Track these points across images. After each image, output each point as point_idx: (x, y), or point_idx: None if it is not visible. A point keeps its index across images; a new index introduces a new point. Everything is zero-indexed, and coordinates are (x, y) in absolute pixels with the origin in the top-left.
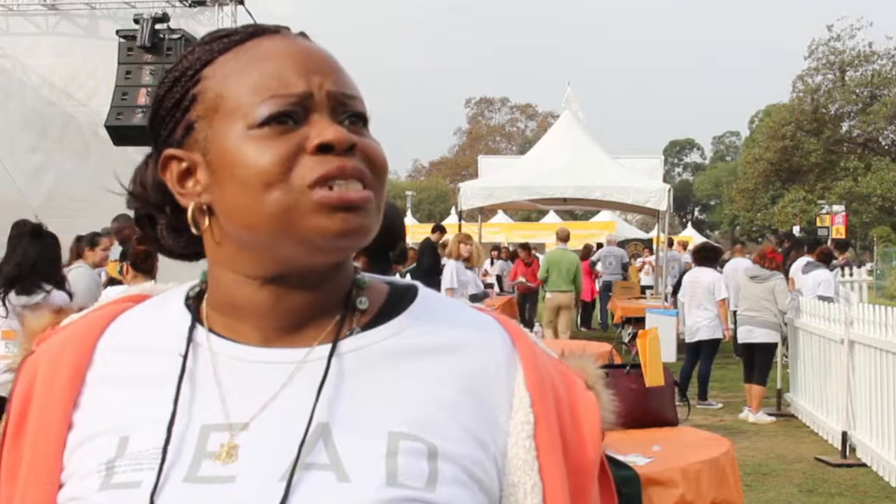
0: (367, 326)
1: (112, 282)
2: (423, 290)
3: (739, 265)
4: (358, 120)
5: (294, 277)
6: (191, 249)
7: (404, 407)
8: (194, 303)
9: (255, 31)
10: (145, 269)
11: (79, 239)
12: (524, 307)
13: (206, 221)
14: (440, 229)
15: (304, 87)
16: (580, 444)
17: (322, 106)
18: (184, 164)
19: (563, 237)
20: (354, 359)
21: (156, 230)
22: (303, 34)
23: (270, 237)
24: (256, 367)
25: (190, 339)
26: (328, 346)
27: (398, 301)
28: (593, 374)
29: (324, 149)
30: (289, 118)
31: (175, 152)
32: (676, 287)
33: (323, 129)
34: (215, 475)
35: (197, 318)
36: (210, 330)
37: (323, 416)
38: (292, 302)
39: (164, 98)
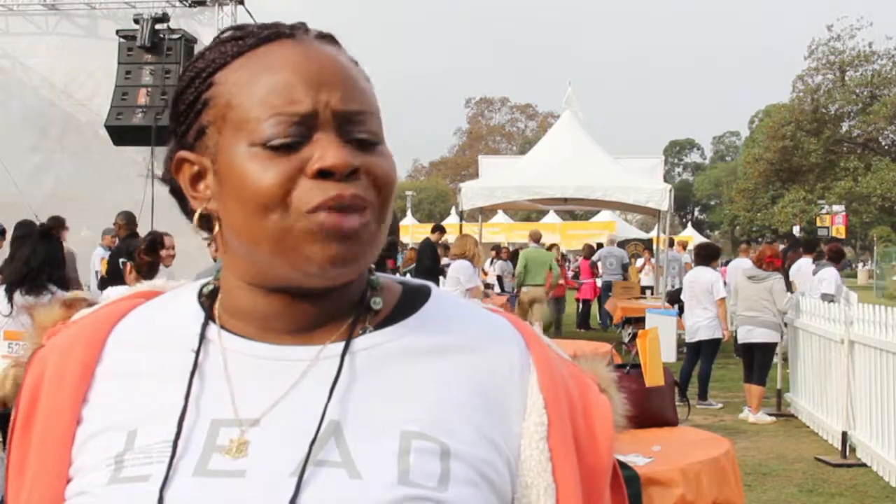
0: (380, 326)
1: (104, 281)
2: (436, 291)
3: (741, 265)
4: (368, 136)
5: (303, 289)
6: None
7: (417, 406)
8: (207, 301)
9: (269, 36)
10: (149, 277)
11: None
12: (556, 311)
13: (216, 226)
14: (440, 229)
15: (308, 105)
16: (593, 447)
17: (327, 125)
18: (195, 168)
19: (536, 238)
20: (367, 357)
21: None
22: (321, 36)
23: (269, 257)
24: (268, 364)
25: (202, 336)
26: (341, 345)
27: (411, 301)
28: (605, 377)
29: (324, 174)
30: (291, 138)
31: (188, 155)
32: (676, 293)
33: (324, 153)
34: (225, 469)
35: (209, 316)
36: (222, 327)
37: (335, 415)
38: (302, 309)
39: (180, 97)
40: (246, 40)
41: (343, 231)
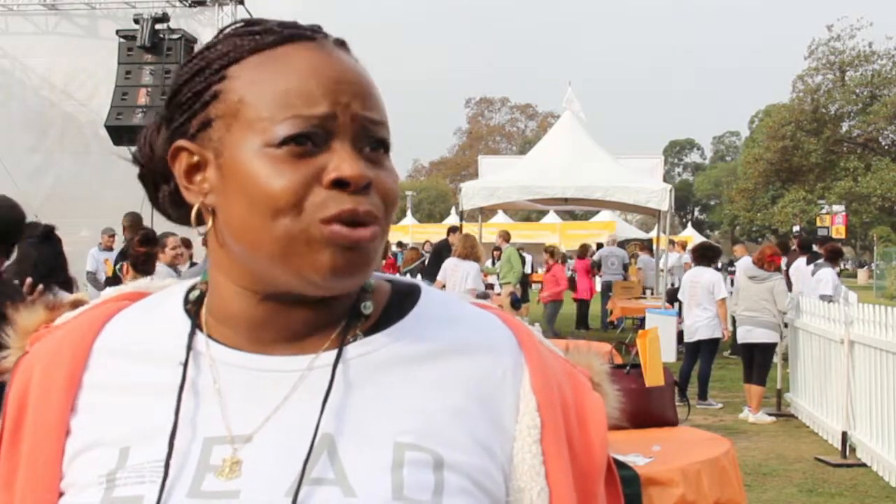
0: (370, 331)
1: (109, 281)
2: (426, 290)
3: (740, 265)
4: (379, 147)
5: (294, 296)
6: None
7: (410, 415)
8: (193, 307)
9: (289, 36)
10: (145, 270)
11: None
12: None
13: (210, 222)
14: (457, 230)
15: (327, 107)
16: (587, 448)
17: (345, 130)
18: (195, 159)
19: (506, 238)
20: (359, 366)
21: (158, 193)
22: (339, 42)
23: (269, 262)
24: (259, 376)
25: (190, 347)
26: (332, 354)
27: (401, 302)
28: (599, 371)
29: (339, 184)
30: (308, 140)
31: (187, 145)
32: (675, 291)
33: (341, 163)
34: (219, 490)
35: (196, 324)
36: (209, 336)
37: (328, 427)
38: (291, 317)
39: (183, 86)
40: (264, 37)
41: (354, 241)
